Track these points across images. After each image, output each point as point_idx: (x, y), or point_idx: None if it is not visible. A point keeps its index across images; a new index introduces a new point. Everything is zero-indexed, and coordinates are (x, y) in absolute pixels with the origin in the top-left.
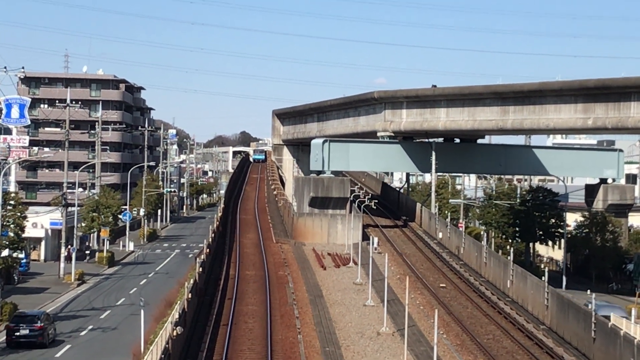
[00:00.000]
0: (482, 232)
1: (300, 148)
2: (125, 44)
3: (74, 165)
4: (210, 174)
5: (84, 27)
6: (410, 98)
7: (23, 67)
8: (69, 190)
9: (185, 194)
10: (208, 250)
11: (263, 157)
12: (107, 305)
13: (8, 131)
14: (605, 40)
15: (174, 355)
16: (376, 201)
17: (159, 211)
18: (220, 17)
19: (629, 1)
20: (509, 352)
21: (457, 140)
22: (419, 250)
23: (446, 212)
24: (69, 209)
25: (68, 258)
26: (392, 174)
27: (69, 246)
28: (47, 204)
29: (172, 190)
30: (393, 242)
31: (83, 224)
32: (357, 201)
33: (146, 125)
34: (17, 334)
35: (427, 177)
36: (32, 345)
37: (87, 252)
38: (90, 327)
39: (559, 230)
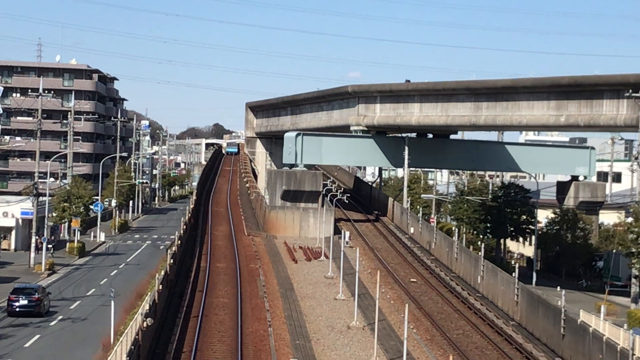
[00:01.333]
0: (453, 228)
1: (273, 141)
2: (98, 34)
3: (46, 155)
4: (182, 165)
5: (58, 16)
6: (384, 93)
7: None
8: (40, 180)
9: (157, 186)
10: (179, 242)
11: (236, 150)
12: (77, 296)
13: None
14: (579, 38)
15: (143, 347)
16: (348, 195)
17: (131, 202)
18: (194, 8)
19: None
20: (478, 347)
21: (430, 136)
22: (390, 245)
23: (418, 207)
24: (40, 198)
25: (37, 248)
26: (364, 168)
27: (37, 237)
28: (18, 194)
29: (144, 181)
30: (365, 236)
31: (54, 214)
32: (329, 195)
33: (119, 116)
34: (17, 304)
35: (400, 172)
36: (30, 315)
37: (51, 246)
38: (60, 317)
39: (530, 226)
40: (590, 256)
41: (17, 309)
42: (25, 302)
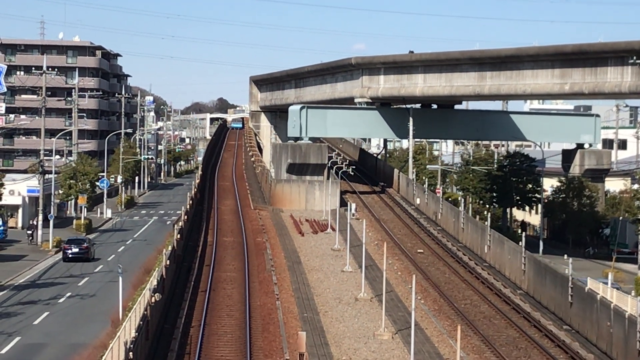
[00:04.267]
0: (459, 198)
1: (277, 114)
2: (101, 10)
3: (51, 133)
4: (187, 140)
5: None
6: (388, 64)
7: None
8: (46, 158)
9: (162, 161)
10: (186, 217)
11: (241, 125)
12: (85, 273)
13: None
14: (583, 5)
15: (152, 322)
16: (354, 167)
17: (137, 178)
18: None
19: None
20: (486, 317)
21: (435, 106)
22: (396, 216)
23: (424, 178)
24: (46, 176)
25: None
26: (369, 140)
27: (34, 220)
28: (24, 172)
29: (150, 157)
30: (371, 208)
31: (60, 191)
32: (334, 167)
33: (123, 92)
34: (70, 251)
35: (405, 143)
36: (81, 260)
37: (30, 232)
38: (68, 294)
39: (536, 195)
40: (597, 224)
41: (70, 255)
42: (76, 250)
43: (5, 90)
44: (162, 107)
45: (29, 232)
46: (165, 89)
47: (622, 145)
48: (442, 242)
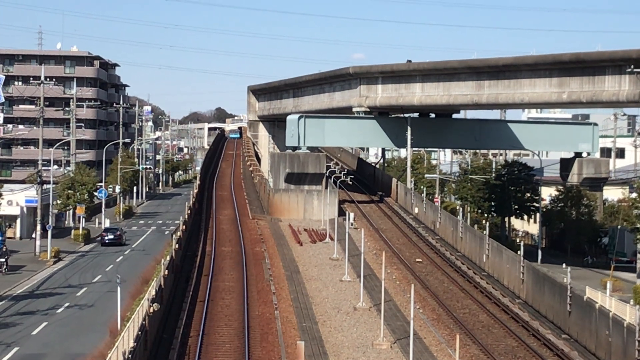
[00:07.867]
0: (457, 207)
1: (275, 124)
2: (99, 21)
3: (49, 143)
4: (185, 150)
5: (58, 3)
6: (386, 73)
7: None
8: (44, 168)
9: (161, 171)
10: (184, 226)
11: (239, 135)
12: (83, 283)
13: None
14: (580, 14)
15: (151, 332)
16: (352, 177)
17: (135, 188)
18: None
19: None
20: (484, 326)
21: (433, 115)
22: (395, 226)
23: (422, 187)
24: (45, 186)
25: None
26: (367, 149)
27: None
28: (22, 182)
29: (148, 167)
30: (369, 217)
31: (59, 202)
32: (333, 177)
33: (121, 102)
34: (106, 238)
35: (403, 152)
36: (115, 244)
37: (3, 259)
38: (66, 304)
39: (534, 204)
40: (595, 232)
41: (107, 241)
42: (112, 236)
43: (4, 100)
44: (160, 116)
45: (2, 259)
46: (164, 99)
47: (620, 153)
48: (441, 251)
